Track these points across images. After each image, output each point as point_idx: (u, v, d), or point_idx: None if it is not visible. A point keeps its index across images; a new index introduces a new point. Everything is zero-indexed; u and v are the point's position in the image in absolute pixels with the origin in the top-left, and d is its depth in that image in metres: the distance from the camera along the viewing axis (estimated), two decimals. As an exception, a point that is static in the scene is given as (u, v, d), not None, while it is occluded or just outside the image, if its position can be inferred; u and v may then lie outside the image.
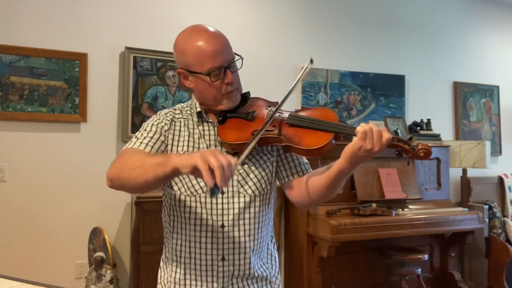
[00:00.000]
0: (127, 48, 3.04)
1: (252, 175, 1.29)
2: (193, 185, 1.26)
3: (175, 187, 1.28)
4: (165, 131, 1.29)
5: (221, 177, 0.95)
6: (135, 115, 3.04)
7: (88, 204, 2.93)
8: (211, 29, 1.27)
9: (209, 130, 1.32)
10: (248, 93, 1.37)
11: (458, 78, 4.34)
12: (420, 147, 1.11)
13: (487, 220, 3.74)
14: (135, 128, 3.01)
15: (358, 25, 3.88)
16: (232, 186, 1.27)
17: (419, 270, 3.10)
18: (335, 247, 2.83)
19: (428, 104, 4.16)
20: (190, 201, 1.27)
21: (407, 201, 3.26)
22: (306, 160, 1.38)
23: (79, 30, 2.95)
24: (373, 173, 3.22)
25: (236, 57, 1.29)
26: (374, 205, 3.04)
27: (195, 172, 0.98)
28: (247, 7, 3.48)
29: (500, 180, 4.26)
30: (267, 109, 1.32)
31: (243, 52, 1.33)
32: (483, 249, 3.81)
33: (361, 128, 1.10)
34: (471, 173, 4.01)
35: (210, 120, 1.33)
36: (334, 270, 3.16)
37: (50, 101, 2.86)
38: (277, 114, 1.26)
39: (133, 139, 1.26)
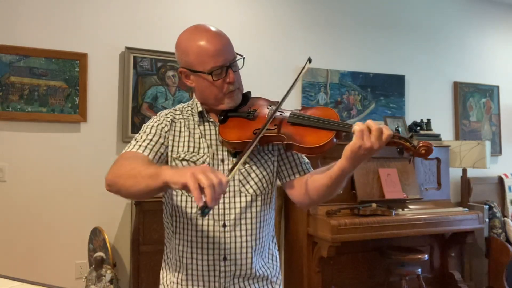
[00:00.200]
0: (127, 48, 3.03)
1: (253, 175, 1.30)
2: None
3: (176, 187, 1.28)
4: (165, 132, 1.29)
5: (212, 197, 0.92)
6: (135, 115, 3.04)
7: (88, 204, 2.92)
8: (213, 28, 1.28)
9: (210, 129, 1.32)
10: (249, 92, 1.37)
11: (458, 78, 4.34)
12: (421, 144, 1.11)
13: (487, 220, 3.74)
14: (135, 128, 3.01)
15: (358, 25, 3.88)
16: (234, 185, 1.28)
17: (419, 270, 3.10)
18: (335, 247, 2.83)
19: (428, 104, 4.16)
20: (192, 201, 1.27)
21: (407, 201, 3.26)
22: (307, 160, 1.38)
23: (79, 30, 2.95)
24: (373, 173, 3.22)
25: (238, 57, 1.29)
26: (374, 205, 3.04)
27: (185, 189, 0.96)
28: (247, 7, 3.48)
29: (500, 180, 4.26)
30: (268, 108, 1.32)
31: (243, 52, 1.33)
32: (483, 249, 3.81)
33: (357, 126, 1.09)
34: (471, 173, 4.01)
35: (211, 119, 1.33)
36: (334, 270, 3.16)
37: (50, 101, 2.86)
38: (278, 113, 1.26)
39: (133, 142, 1.27)
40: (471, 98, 4.40)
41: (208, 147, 1.30)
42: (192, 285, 1.28)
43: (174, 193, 1.29)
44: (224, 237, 1.26)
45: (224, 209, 1.27)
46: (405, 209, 3.21)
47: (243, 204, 1.28)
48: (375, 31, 3.95)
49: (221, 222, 1.26)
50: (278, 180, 1.39)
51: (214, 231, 1.26)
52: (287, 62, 3.56)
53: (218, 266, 1.27)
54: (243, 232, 1.28)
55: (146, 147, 1.25)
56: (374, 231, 2.91)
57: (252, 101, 1.36)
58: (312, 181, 1.27)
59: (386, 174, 3.23)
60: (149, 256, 2.72)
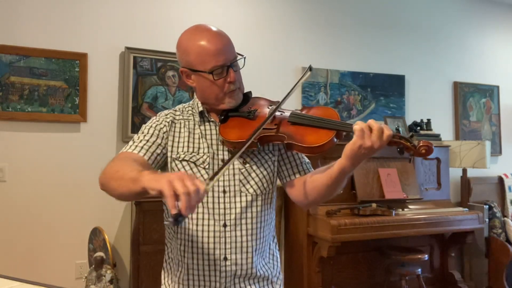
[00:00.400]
0: (127, 48, 3.03)
1: (253, 174, 1.30)
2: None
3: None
4: (164, 133, 1.29)
5: (186, 205, 0.88)
6: (135, 115, 3.04)
7: (88, 204, 2.92)
8: (214, 28, 1.28)
9: (210, 129, 1.32)
10: (250, 92, 1.37)
11: (458, 78, 4.34)
12: (421, 144, 1.11)
13: (487, 220, 3.74)
14: (135, 128, 3.01)
15: (358, 25, 3.88)
16: (234, 185, 1.28)
17: (419, 270, 3.10)
18: (335, 247, 2.83)
19: (428, 104, 4.16)
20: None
21: (407, 201, 3.26)
22: (307, 160, 1.38)
23: (79, 30, 2.95)
24: (373, 173, 3.22)
25: (239, 57, 1.29)
26: (374, 205, 3.04)
27: (162, 195, 0.93)
28: (247, 7, 3.47)
29: (500, 180, 4.26)
30: (268, 108, 1.32)
31: (243, 52, 1.34)
32: (483, 249, 3.81)
33: (357, 126, 1.09)
34: (471, 173, 4.01)
35: (212, 119, 1.33)
36: (334, 270, 3.16)
37: (50, 101, 2.86)
38: (278, 113, 1.26)
39: (130, 142, 1.28)
40: (471, 98, 4.40)
41: (208, 147, 1.30)
42: (193, 285, 1.29)
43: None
44: (225, 237, 1.26)
45: (224, 209, 1.27)
46: (405, 209, 3.21)
47: (244, 204, 1.28)
48: (375, 31, 3.95)
49: (222, 222, 1.26)
50: (278, 180, 1.39)
51: (214, 231, 1.26)
52: (287, 62, 3.56)
53: (219, 266, 1.27)
54: (244, 232, 1.28)
55: (142, 147, 1.25)
56: (374, 231, 2.91)
57: (252, 101, 1.36)
58: (312, 181, 1.27)
59: (386, 174, 3.23)
60: (149, 256, 2.72)
